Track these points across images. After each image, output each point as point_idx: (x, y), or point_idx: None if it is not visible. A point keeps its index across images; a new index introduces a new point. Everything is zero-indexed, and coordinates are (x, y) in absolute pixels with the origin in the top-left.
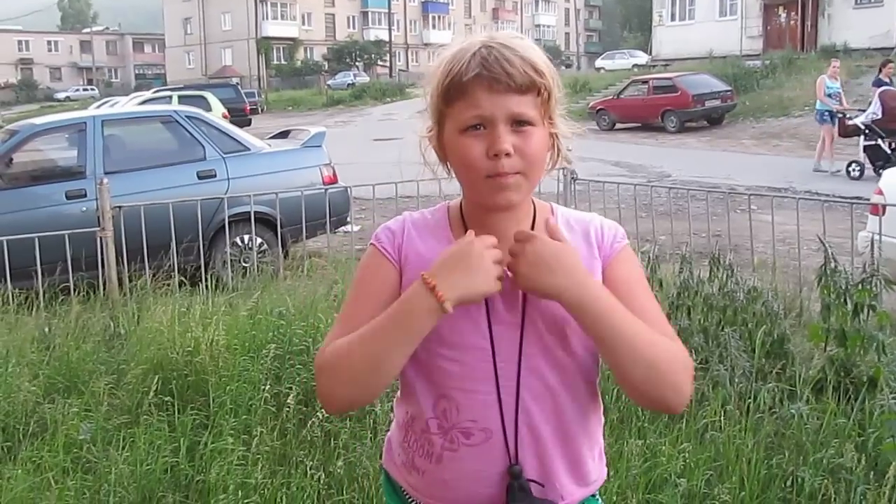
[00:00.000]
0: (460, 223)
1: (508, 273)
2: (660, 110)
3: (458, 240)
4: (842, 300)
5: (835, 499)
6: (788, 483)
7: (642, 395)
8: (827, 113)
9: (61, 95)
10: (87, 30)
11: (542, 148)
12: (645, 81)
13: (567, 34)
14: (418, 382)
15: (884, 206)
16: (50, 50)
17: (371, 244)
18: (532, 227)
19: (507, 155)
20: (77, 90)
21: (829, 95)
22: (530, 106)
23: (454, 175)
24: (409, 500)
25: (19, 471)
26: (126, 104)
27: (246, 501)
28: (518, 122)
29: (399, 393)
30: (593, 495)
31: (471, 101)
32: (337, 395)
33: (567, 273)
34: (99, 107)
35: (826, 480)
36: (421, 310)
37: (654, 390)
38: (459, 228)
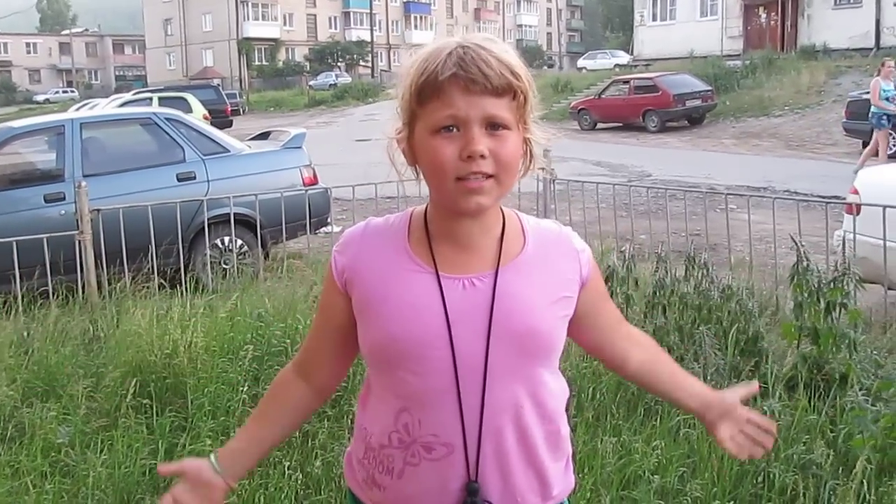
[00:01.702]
0: (422, 230)
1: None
2: (641, 110)
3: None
4: (815, 298)
5: (804, 494)
6: (760, 479)
7: None
8: (885, 117)
9: (41, 98)
10: (67, 31)
11: (516, 153)
12: (626, 81)
13: (549, 34)
14: (380, 395)
15: (858, 206)
16: (29, 52)
17: (331, 259)
18: (501, 236)
19: (482, 157)
20: (57, 92)
21: (887, 99)
22: (506, 109)
23: (423, 178)
24: None
25: None
26: (106, 106)
27: (224, 502)
28: (493, 126)
29: (359, 406)
30: None
31: (445, 101)
32: None
33: None
34: (78, 109)
35: (797, 476)
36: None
37: None
38: (421, 235)
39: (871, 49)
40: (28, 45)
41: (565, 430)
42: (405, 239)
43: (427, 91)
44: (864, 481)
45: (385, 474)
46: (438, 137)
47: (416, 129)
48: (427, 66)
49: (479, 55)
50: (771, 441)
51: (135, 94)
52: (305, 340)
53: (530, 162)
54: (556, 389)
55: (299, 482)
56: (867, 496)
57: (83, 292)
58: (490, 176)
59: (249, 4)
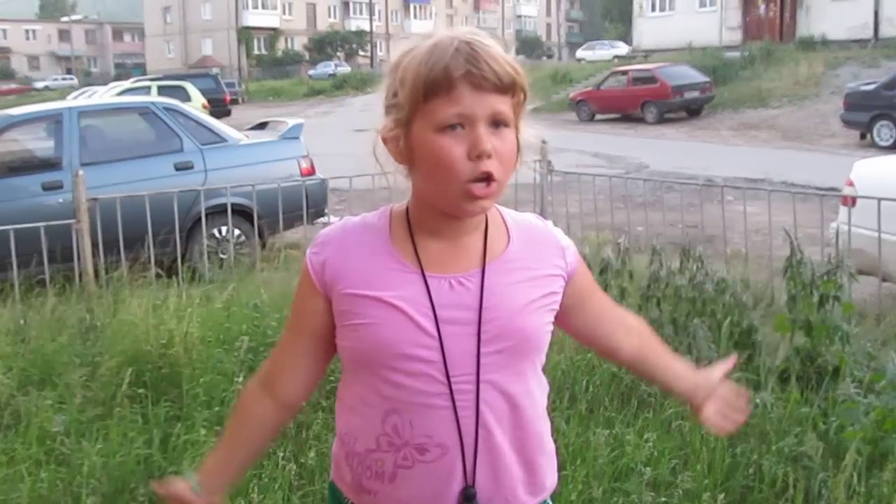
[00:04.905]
0: (405, 229)
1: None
2: (639, 101)
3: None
4: (808, 291)
5: (795, 486)
6: (751, 471)
7: None
8: None
9: (40, 85)
10: (66, 18)
11: (513, 151)
12: (625, 72)
13: (548, 25)
14: (364, 398)
15: (853, 198)
16: (28, 38)
17: (305, 260)
18: (486, 232)
19: (489, 156)
20: (56, 79)
21: None
22: (508, 106)
23: (414, 176)
24: None
25: None
26: (104, 94)
27: None
28: (496, 123)
29: (338, 411)
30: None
31: (454, 98)
32: None
33: None
34: (76, 97)
35: (787, 468)
36: None
37: None
38: (403, 234)
39: (870, 40)
40: (27, 31)
41: (549, 426)
42: (387, 238)
43: (436, 88)
44: (855, 473)
45: (374, 479)
46: (444, 136)
47: (415, 126)
48: (434, 62)
49: (486, 52)
50: (743, 416)
51: (134, 82)
52: (274, 351)
53: (517, 161)
54: (542, 386)
55: (293, 473)
56: (857, 488)
57: (80, 281)
58: (494, 180)
59: None
